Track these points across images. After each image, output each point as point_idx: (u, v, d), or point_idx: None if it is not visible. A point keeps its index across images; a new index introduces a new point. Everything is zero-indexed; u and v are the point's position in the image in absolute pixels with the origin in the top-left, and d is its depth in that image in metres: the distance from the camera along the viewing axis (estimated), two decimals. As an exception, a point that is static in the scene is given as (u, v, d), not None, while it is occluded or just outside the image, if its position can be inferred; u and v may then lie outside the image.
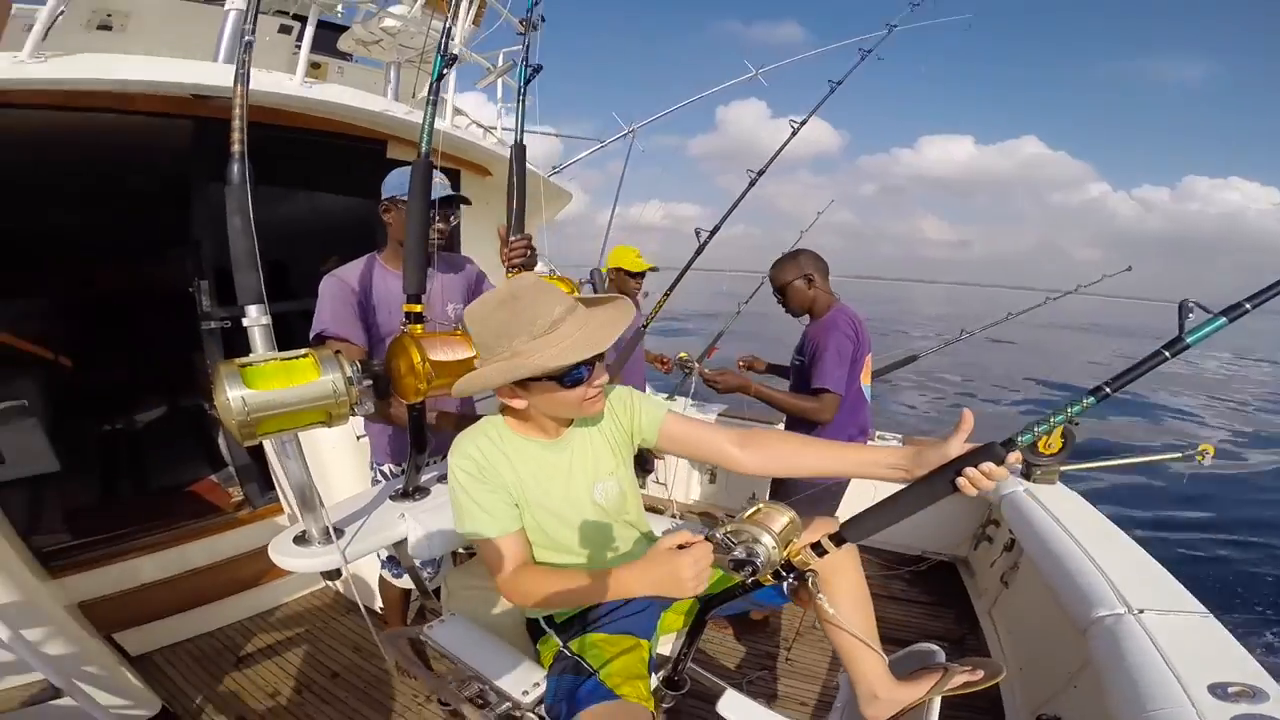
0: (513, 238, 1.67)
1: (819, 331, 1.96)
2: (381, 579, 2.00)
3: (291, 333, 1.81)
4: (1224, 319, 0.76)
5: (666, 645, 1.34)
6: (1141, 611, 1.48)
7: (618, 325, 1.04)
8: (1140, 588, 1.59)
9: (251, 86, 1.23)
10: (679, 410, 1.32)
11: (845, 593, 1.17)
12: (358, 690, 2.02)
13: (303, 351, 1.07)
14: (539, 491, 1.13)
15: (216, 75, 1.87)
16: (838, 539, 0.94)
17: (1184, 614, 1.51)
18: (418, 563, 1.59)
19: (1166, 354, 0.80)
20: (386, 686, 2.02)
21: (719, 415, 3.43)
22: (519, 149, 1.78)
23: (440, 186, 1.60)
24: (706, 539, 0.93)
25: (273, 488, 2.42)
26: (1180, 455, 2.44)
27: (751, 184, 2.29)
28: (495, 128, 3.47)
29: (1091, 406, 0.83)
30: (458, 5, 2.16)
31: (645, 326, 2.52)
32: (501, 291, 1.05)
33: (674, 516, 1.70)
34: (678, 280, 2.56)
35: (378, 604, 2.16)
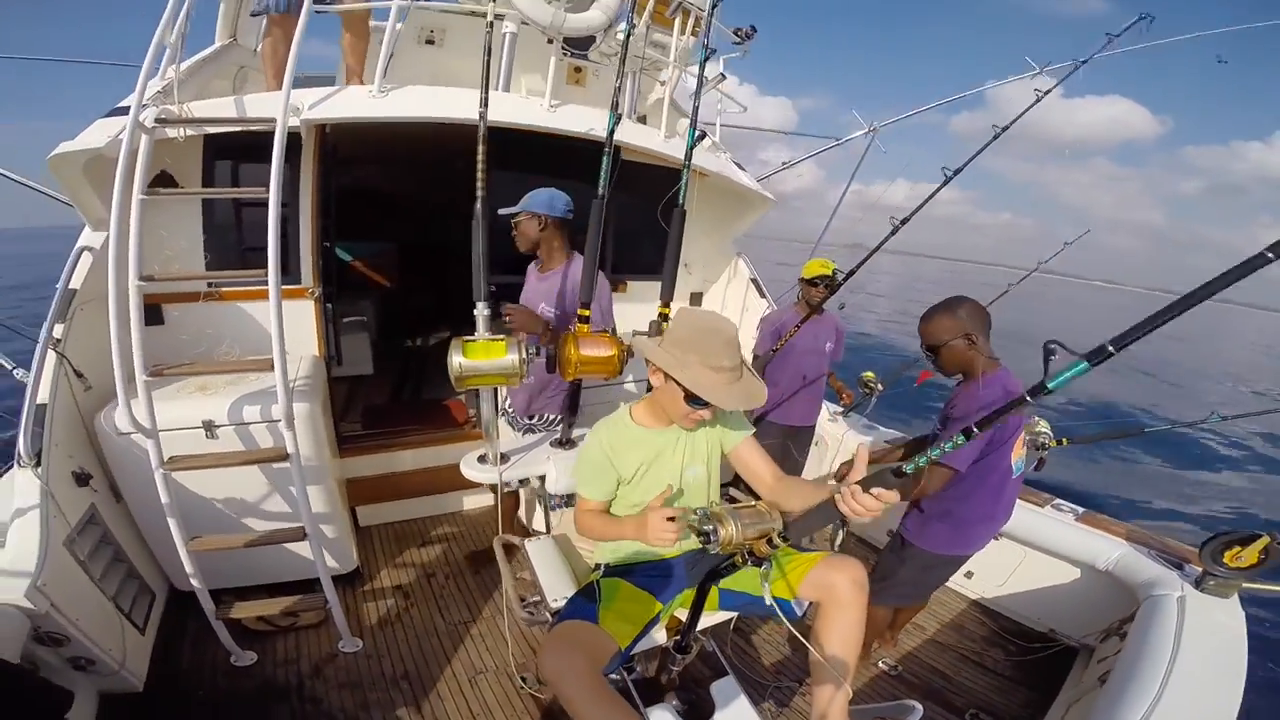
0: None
1: (966, 401, 1.77)
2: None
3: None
4: (1085, 363, 0.75)
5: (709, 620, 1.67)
6: None
7: (750, 402, 1.40)
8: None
9: (507, 117, 1.73)
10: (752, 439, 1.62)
11: (836, 628, 1.41)
12: (486, 587, 2.66)
13: (501, 337, 1.62)
14: (641, 471, 1.55)
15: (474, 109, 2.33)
16: (781, 535, 1.15)
17: None
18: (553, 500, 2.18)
19: (1028, 399, 0.81)
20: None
21: (886, 441, 3.27)
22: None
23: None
24: (692, 512, 1.22)
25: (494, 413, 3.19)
26: None
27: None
28: (716, 124, 3.75)
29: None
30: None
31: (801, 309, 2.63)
32: (715, 321, 1.44)
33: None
34: (850, 274, 2.58)
35: (535, 521, 2.75)
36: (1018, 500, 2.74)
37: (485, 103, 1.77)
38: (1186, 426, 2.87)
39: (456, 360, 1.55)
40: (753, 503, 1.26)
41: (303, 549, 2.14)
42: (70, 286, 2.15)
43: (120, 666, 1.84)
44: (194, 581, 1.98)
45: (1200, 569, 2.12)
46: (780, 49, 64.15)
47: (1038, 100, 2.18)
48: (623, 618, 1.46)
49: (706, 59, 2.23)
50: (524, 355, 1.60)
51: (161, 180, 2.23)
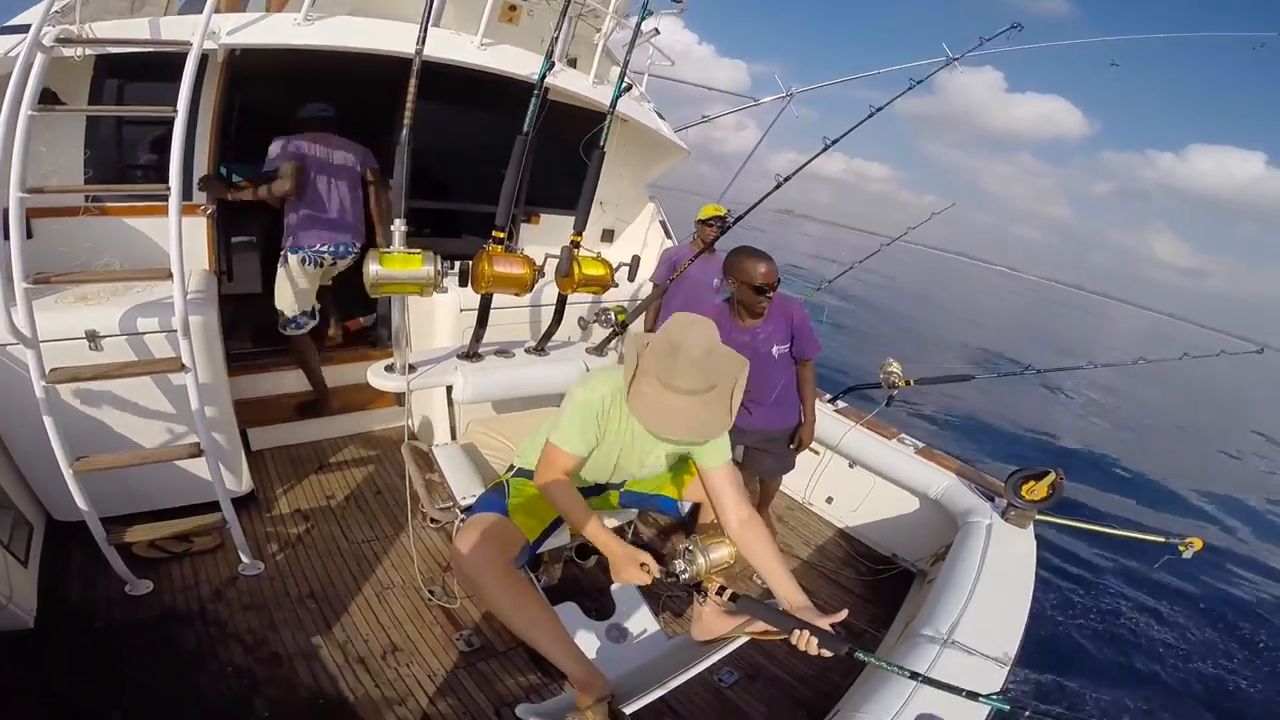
0: None
1: (802, 317, 2.40)
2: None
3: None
4: None
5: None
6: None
7: (698, 435, 1.36)
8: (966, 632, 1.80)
9: (438, 53, 1.79)
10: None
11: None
12: (389, 506, 2.72)
13: (417, 251, 1.69)
14: (610, 449, 1.59)
15: (407, 42, 2.19)
16: (732, 596, 1.42)
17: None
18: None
19: None
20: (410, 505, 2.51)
21: None
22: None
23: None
24: (663, 559, 1.43)
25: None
26: (1164, 539, 2.39)
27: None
28: (644, 75, 3.79)
29: None
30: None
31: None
32: (690, 334, 1.33)
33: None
34: (740, 218, 2.77)
35: (436, 438, 2.76)
36: (871, 432, 3.11)
37: (423, 40, 1.79)
38: (1006, 375, 3.40)
39: (373, 268, 1.61)
40: (721, 538, 1.49)
41: (194, 468, 2.08)
42: None
43: (8, 602, 1.75)
44: (81, 505, 1.89)
45: (1005, 501, 2.51)
46: (742, 13, 62.56)
47: (905, 91, 2.58)
48: (530, 514, 1.55)
49: (644, 18, 2.36)
50: (438, 268, 1.72)
51: (44, 97, 2.07)
